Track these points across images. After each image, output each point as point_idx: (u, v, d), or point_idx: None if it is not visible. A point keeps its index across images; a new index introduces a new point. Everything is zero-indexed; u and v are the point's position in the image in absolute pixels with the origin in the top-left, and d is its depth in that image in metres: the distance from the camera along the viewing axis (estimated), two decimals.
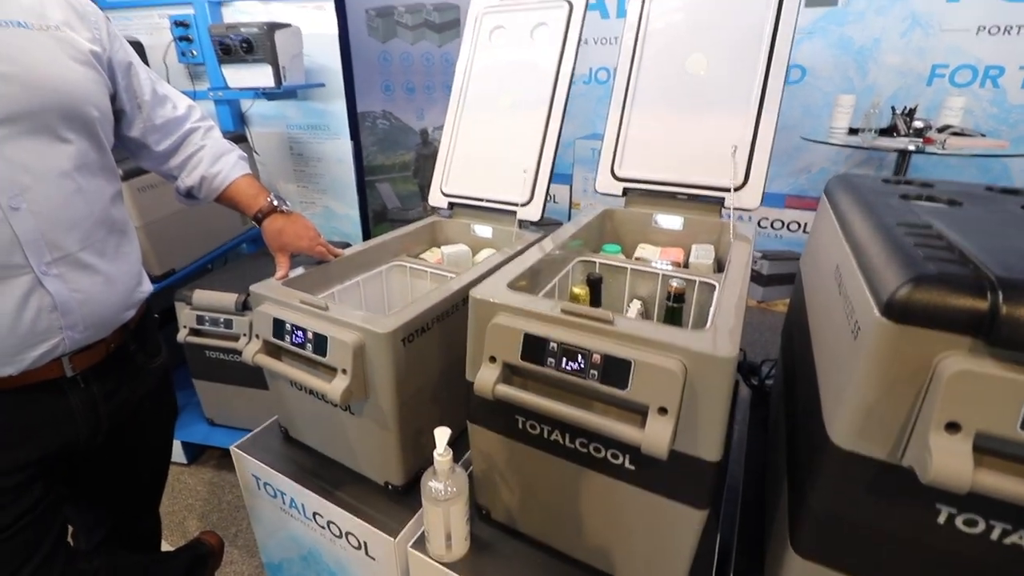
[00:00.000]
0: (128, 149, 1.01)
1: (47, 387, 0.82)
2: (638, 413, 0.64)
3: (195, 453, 2.06)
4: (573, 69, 1.29)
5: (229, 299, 1.75)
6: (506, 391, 0.71)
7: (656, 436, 0.60)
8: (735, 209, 1.08)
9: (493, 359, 0.73)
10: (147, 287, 0.99)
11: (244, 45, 1.78)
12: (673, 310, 0.91)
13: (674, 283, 0.91)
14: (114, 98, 0.91)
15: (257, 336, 1.01)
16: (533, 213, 1.30)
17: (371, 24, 2.86)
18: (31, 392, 0.81)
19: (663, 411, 0.61)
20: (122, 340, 0.94)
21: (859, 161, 2.89)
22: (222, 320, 1.76)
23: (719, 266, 1.08)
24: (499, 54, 1.41)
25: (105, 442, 0.95)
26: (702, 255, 1.07)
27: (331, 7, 1.99)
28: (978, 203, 0.76)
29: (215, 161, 1.05)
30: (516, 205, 1.31)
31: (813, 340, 0.75)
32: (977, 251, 0.51)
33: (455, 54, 3.08)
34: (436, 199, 1.46)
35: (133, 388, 0.99)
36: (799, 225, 3.11)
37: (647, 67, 1.23)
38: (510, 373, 0.74)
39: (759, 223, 3.09)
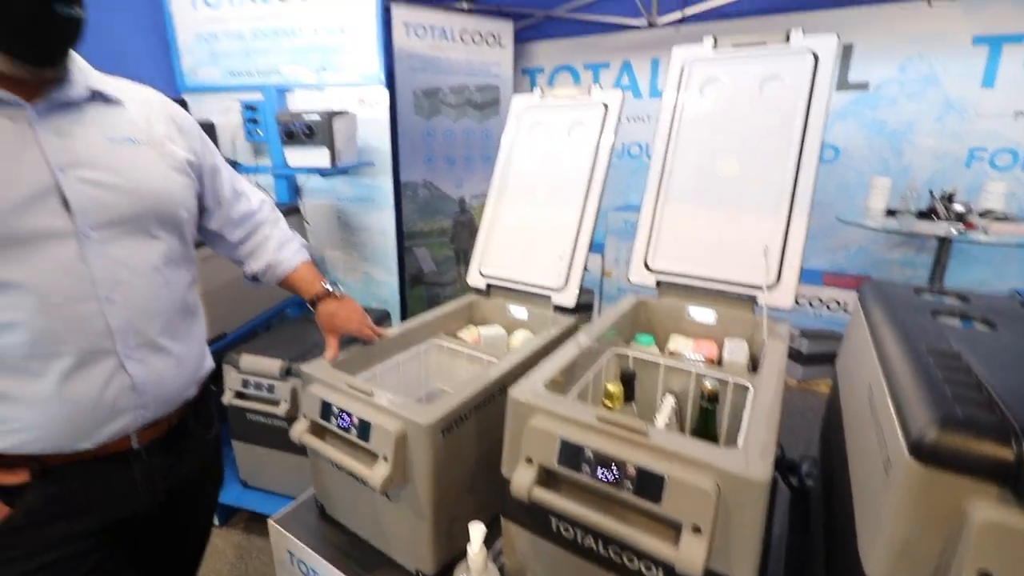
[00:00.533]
0: (205, 238, 1.12)
1: (114, 459, 0.88)
2: (673, 527, 0.66)
3: (227, 515, 2.10)
4: (608, 166, 1.38)
5: (274, 365, 1.83)
6: (542, 495, 0.73)
7: (690, 556, 0.61)
8: (768, 307, 1.11)
9: (529, 460, 0.76)
10: (209, 364, 1.07)
11: (306, 131, 1.96)
12: (707, 411, 0.92)
13: (708, 383, 0.93)
14: (200, 196, 1.02)
15: (305, 416, 1.06)
16: (568, 299, 1.35)
17: (417, 103, 3.10)
18: (100, 464, 0.86)
19: (697, 530, 0.62)
20: (183, 415, 1.01)
21: (898, 242, 2.87)
22: (266, 385, 1.84)
23: (754, 363, 1.09)
24: (538, 148, 1.51)
25: (158, 513, 1.00)
26: (736, 352, 1.09)
27: (385, 96, 2.18)
28: (1014, 325, 0.77)
29: (279, 249, 1.16)
30: (551, 290, 1.37)
31: (849, 457, 0.76)
32: (1006, 392, 0.53)
33: (494, 129, 3.28)
34: (474, 279, 1.53)
35: (189, 460, 1.04)
36: (838, 304, 3.07)
37: (679, 164, 1.30)
38: (546, 476, 0.77)
39: (796, 301, 3.06)
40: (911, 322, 0.76)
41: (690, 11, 2.88)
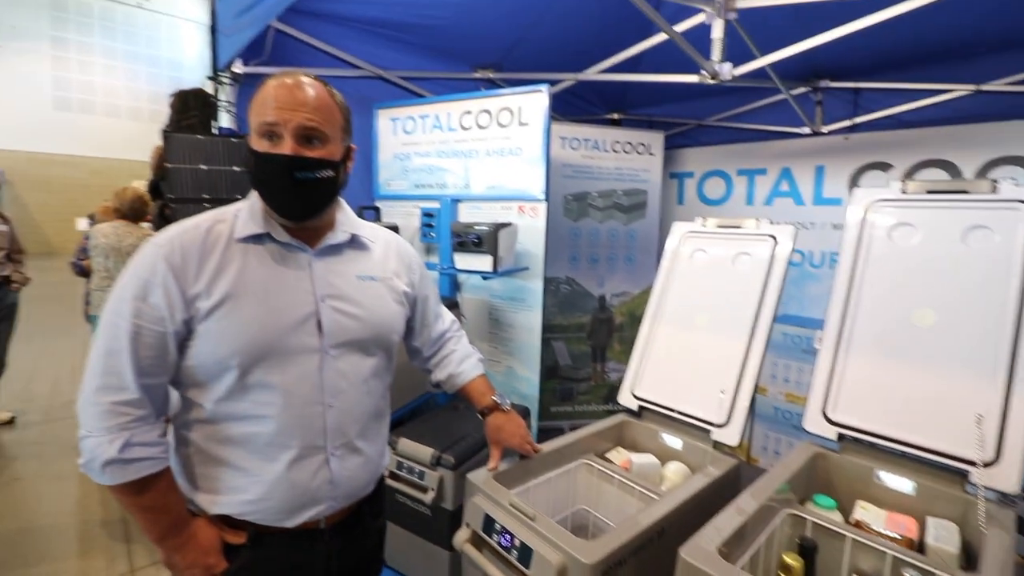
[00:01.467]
0: (406, 351, 1.28)
1: (306, 536, 0.99)
2: None
3: None
4: (778, 300, 1.34)
5: (427, 453, 1.96)
6: None
7: None
8: (985, 488, 0.95)
9: None
10: (387, 460, 1.20)
11: (475, 240, 2.20)
12: None
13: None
14: (408, 320, 1.17)
15: (468, 525, 1.13)
16: (730, 437, 1.29)
17: (567, 206, 3.30)
18: (296, 539, 0.98)
19: None
20: (360, 504, 1.09)
21: None
22: (417, 471, 1.97)
23: (967, 555, 0.94)
24: (699, 274, 1.53)
25: None
26: (943, 537, 0.94)
27: (544, 207, 2.38)
28: None
29: (461, 363, 1.29)
30: (711, 424, 1.32)
31: None
32: None
33: (640, 231, 3.36)
34: (626, 399, 1.54)
35: (361, 544, 1.14)
36: None
37: (865, 308, 1.22)
38: None
39: None
40: None
41: (861, 119, 2.76)
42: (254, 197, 0.95)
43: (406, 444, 2.02)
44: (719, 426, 1.31)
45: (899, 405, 1.10)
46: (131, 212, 3.04)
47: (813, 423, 1.22)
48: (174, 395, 0.94)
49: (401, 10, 2.39)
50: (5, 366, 3.45)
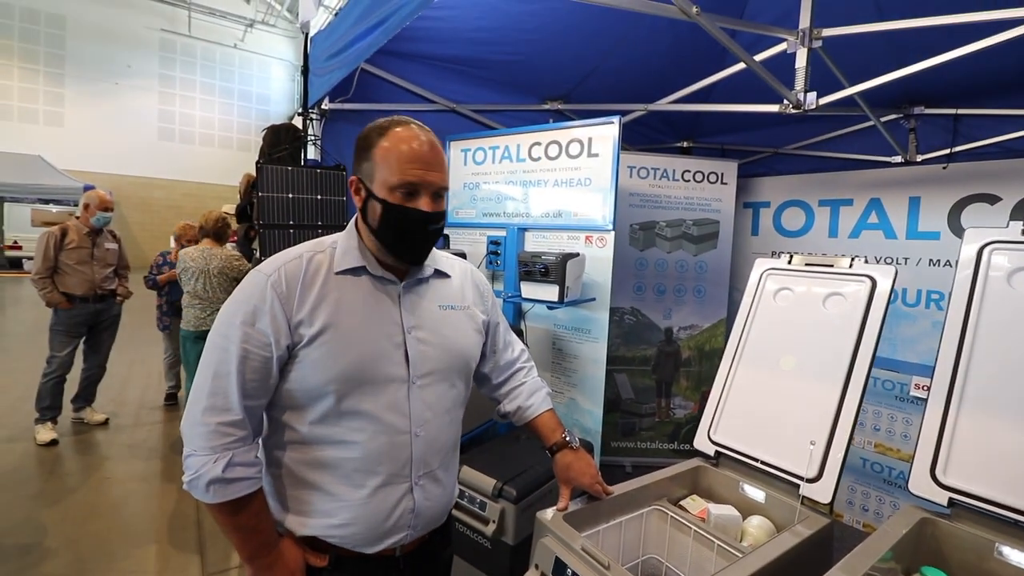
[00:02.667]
0: (475, 379, 1.24)
1: (382, 563, 1.01)
2: None
3: None
4: (876, 345, 1.24)
5: (488, 483, 1.94)
6: None
7: None
8: None
9: None
10: (457, 491, 1.18)
11: (543, 270, 2.19)
12: None
13: None
14: (482, 347, 1.18)
15: (537, 567, 1.10)
16: (822, 493, 1.19)
17: (632, 235, 3.25)
18: (374, 565, 1.00)
19: None
20: (431, 534, 1.10)
21: None
22: (478, 501, 1.95)
23: None
24: (784, 314, 1.44)
25: None
26: None
27: (611, 237, 2.35)
28: None
29: (530, 396, 1.26)
30: (800, 479, 1.23)
31: None
32: None
33: (710, 262, 3.24)
34: (702, 444, 1.46)
35: (428, 573, 1.14)
36: None
37: (981, 358, 1.10)
38: None
39: None
40: None
41: (961, 147, 2.55)
42: (351, 231, 1.01)
43: (468, 472, 2.01)
44: (809, 480, 1.21)
45: None
46: (215, 233, 3.27)
47: (920, 485, 1.10)
48: (267, 420, 0.98)
49: (476, 48, 2.48)
50: (104, 371, 3.78)
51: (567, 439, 1.25)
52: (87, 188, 3.82)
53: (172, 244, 4.61)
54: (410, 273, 1.02)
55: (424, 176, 0.93)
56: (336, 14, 2.21)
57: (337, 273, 0.96)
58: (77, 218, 3.49)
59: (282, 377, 0.93)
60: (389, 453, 0.95)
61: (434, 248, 1.08)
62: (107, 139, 12.36)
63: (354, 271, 0.97)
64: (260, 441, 0.99)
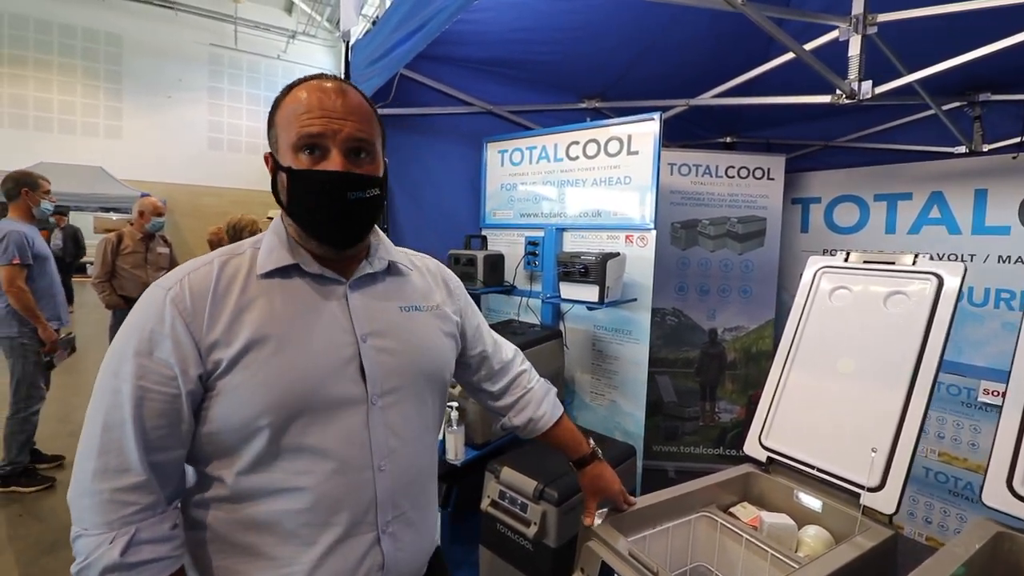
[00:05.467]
0: (468, 390, 1.13)
1: None
2: None
3: None
4: (943, 348, 1.16)
5: (530, 485, 1.93)
6: None
7: None
8: None
9: None
10: (438, 535, 0.99)
11: (582, 270, 2.17)
12: None
13: None
14: (462, 353, 1.02)
15: (582, 570, 1.08)
16: (886, 503, 1.12)
17: (674, 234, 3.18)
18: None
19: None
20: None
21: None
22: (519, 502, 1.94)
23: None
24: (841, 315, 1.37)
25: None
26: None
27: (652, 236, 2.30)
28: None
29: (539, 405, 1.11)
30: (860, 487, 1.16)
31: None
32: None
33: (756, 261, 3.13)
34: (753, 449, 1.41)
35: None
36: None
37: None
38: None
39: None
40: None
41: None
42: (277, 225, 0.82)
43: (508, 473, 2.01)
44: (871, 489, 1.14)
45: None
46: (234, 239, 3.40)
47: (995, 496, 1.03)
48: (188, 471, 0.78)
49: (512, 49, 2.47)
50: None
51: (595, 450, 1.16)
52: (143, 196, 4.04)
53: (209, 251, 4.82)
54: (358, 269, 0.83)
55: (327, 125, 0.73)
56: (374, 22, 2.25)
57: (261, 276, 0.76)
58: (132, 224, 3.69)
59: (198, 419, 0.73)
60: (349, 497, 0.75)
61: (389, 242, 0.92)
62: (161, 149, 13.01)
63: (283, 272, 0.77)
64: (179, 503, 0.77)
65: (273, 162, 0.78)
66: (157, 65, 12.98)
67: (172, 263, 3.90)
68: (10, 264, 2.67)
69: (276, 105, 0.78)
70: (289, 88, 0.78)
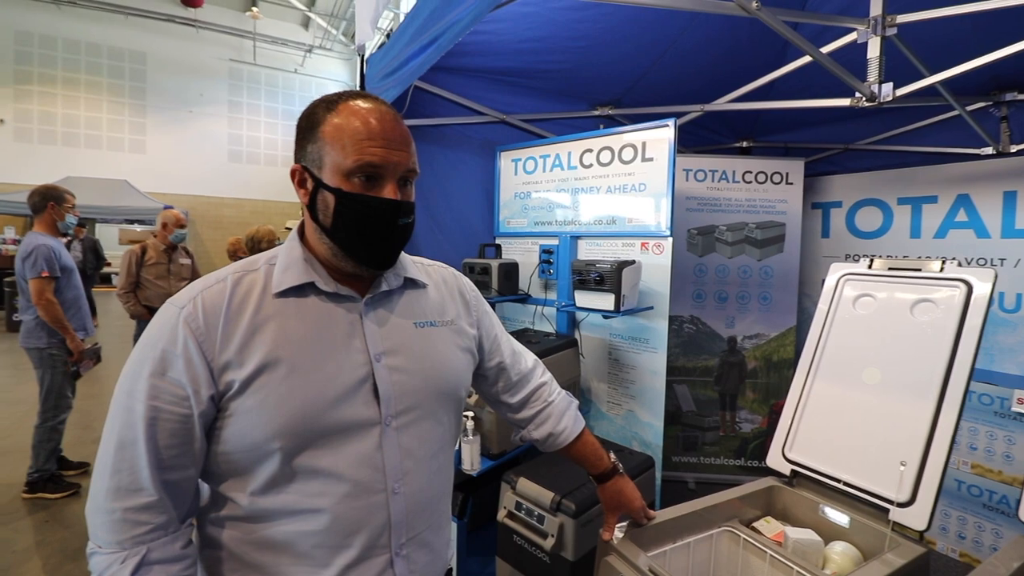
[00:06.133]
0: (487, 401, 1.11)
1: None
2: None
3: None
4: (974, 356, 1.12)
5: (547, 496, 1.91)
6: None
7: None
8: None
9: None
10: (453, 555, 0.99)
11: (597, 278, 2.15)
12: None
13: None
14: (479, 365, 1.00)
15: None
16: (917, 519, 1.08)
17: (691, 241, 3.14)
18: None
19: None
20: None
21: None
22: (536, 514, 1.92)
23: None
24: (865, 323, 1.33)
25: None
26: None
27: (669, 243, 2.28)
28: None
29: (560, 419, 1.08)
30: (889, 502, 1.12)
31: None
32: None
33: (776, 267, 3.08)
34: (776, 461, 1.37)
35: None
36: None
37: None
38: None
39: None
40: None
41: None
42: (292, 242, 0.81)
43: (525, 484, 1.99)
44: (900, 505, 1.10)
45: None
46: (253, 252, 3.45)
47: None
48: (204, 488, 0.78)
49: (525, 58, 2.48)
50: None
51: (616, 465, 1.13)
52: (166, 208, 4.14)
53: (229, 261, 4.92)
54: (374, 286, 0.82)
55: (388, 156, 0.74)
56: (388, 35, 2.27)
57: (277, 295, 0.75)
58: (155, 236, 3.78)
59: (211, 439, 0.73)
60: (363, 520, 0.75)
61: (406, 256, 0.91)
62: (183, 162, 13.33)
63: (299, 290, 0.77)
64: (194, 520, 0.78)
65: (313, 180, 0.76)
66: (179, 81, 13.34)
67: (194, 274, 3.97)
68: (39, 277, 2.74)
69: (319, 120, 0.76)
70: (333, 103, 0.77)
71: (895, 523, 1.10)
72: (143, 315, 3.65)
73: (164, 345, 0.70)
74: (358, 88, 2.55)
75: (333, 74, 15.02)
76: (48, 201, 2.91)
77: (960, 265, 1.22)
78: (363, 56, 2.45)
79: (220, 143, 13.89)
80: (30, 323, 2.84)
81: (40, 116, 12.02)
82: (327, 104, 0.77)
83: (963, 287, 1.18)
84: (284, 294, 0.76)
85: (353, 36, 12.38)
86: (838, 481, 1.21)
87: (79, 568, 2.39)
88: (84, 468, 3.26)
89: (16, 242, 10.40)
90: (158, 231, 3.78)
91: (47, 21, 11.97)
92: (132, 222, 12.17)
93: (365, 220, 0.75)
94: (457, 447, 1.96)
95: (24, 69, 11.83)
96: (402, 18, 2.11)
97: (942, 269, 1.22)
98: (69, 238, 3.39)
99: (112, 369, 5.55)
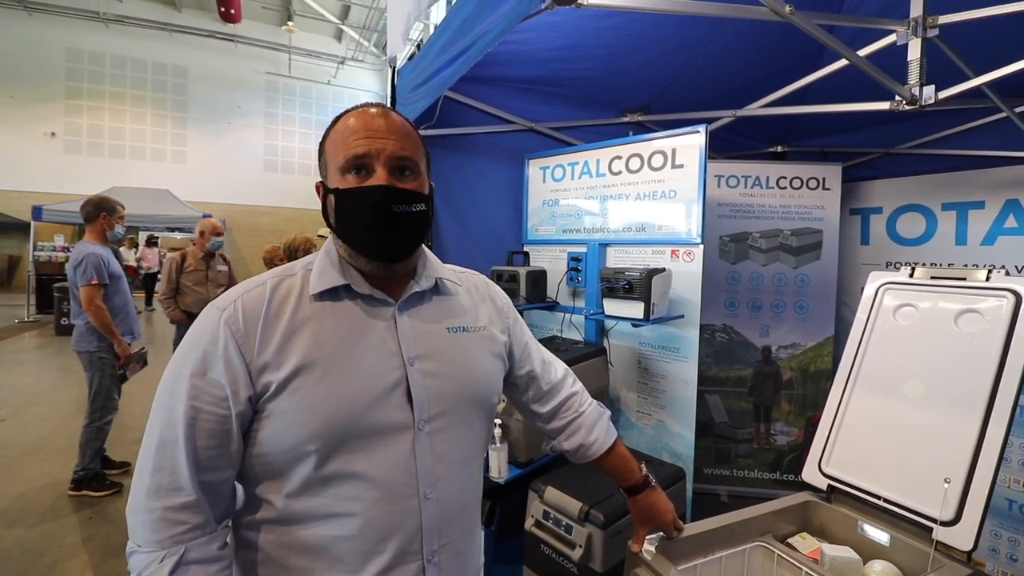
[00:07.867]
0: (518, 410, 1.10)
1: None
2: None
3: None
4: None
5: (575, 506, 1.90)
6: None
7: None
8: None
9: None
10: (483, 562, 0.98)
11: (626, 286, 2.14)
12: None
13: None
14: (509, 372, 1.00)
15: None
16: (962, 539, 1.04)
17: (723, 248, 3.08)
18: None
19: None
20: None
21: None
22: (564, 523, 1.91)
23: None
24: (907, 334, 1.29)
25: None
26: None
27: (700, 251, 2.24)
28: None
29: (591, 430, 1.07)
30: (933, 521, 1.08)
31: None
32: None
33: (812, 275, 3.00)
34: (812, 476, 1.34)
35: None
36: None
37: None
38: None
39: None
40: None
41: None
42: (328, 247, 0.84)
43: (553, 493, 1.98)
44: (944, 523, 1.06)
45: None
46: (291, 259, 3.53)
47: None
48: (239, 491, 0.79)
49: (553, 67, 2.50)
50: None
51: (648, 477, 1.11)
52: (204, 217, 4.30)
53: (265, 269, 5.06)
54: (407, 290, 0.83)
55: (371, 144, 0.75)
56: (419, 46, 2.32)
57: (314, 298, 0.78)
58: (194, 244, 3.93)
59: (247, 440, 0.74)
60: (396, 524, 0.76)
61: (436, 259, 0.92)
62: (221, 172, 13.85)
63: (334, 293, 0.79)
64: (230, 522, 0.78)
65: (323, 188, 0.81)
66: (219, 93, 13.87)
67: (231, 280, 4.11)
68: (89, 284, 2.89)
69: (324, 138, 0.81)
70: (336, 119, 0.82)
71: (939, 542, 1.06)
72: (182, 320, 3.80)
73: (206, 346, 0.72)
74: (389, 99, 2.61)
75: (365, 85, 15.38)
76: (101, 211, 3.07)
77: (1008, 274, 1.17)
78: (394, 68, 2.51)
79: (256, 153, 14.37)
80: (81, 328, 2.98)
81: (89, 129, 12.68)
82: (332, 122, 0.82)
83: (1011, 297, 1.13)
84: (320, 297, 0.78)
85: (385, 47, 12.66)
86: (878, 497, 1.17)
87: (121, 564, 2.48)
88: (126, 467, 3.39)
89: (65, 249, 10.95)
90: (196, 239, 3.93)
91: (96, 39, 12.65)
92: (173, 230, 12.68)
93: (360, 210, 0.76)
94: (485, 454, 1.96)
95: (74, 85, 12.52)
96: (433, 29, 2.15)
97: (988, 278, 1.17)
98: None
99: (151, 370, 5.76)
